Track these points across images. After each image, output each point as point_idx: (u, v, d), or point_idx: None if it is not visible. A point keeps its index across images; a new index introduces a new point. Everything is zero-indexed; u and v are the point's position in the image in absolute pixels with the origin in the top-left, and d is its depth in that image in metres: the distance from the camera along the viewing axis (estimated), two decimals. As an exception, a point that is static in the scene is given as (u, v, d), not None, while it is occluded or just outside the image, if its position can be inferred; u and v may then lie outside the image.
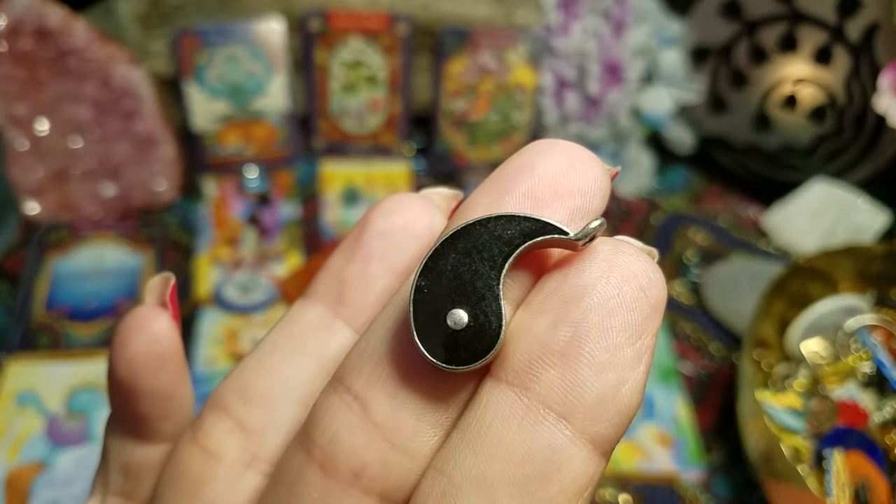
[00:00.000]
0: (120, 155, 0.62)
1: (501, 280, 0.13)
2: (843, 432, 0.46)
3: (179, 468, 0.16)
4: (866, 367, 0.50)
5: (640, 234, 0.68)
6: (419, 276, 0.13)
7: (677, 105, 0.69)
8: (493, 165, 0.26)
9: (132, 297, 0.58)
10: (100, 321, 0.56)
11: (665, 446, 0.52)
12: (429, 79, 0.68)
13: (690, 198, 0.72)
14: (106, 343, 0.54)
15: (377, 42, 0.65)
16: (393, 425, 0.13)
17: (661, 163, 0.72)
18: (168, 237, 0.62)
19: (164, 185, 0.64)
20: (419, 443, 0.13)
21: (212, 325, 0.56)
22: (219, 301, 0.58)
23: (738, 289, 0.61)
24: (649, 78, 0.69)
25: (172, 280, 0.17)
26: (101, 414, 0.50)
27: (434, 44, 0.66)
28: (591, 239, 0.13)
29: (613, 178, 0.15)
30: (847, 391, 0.49)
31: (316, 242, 0.63)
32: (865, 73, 0.60)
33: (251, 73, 0.64)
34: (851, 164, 0.65)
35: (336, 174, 0.69)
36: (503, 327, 0.13)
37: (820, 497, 0.42)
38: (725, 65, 0.68)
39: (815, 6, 0.61)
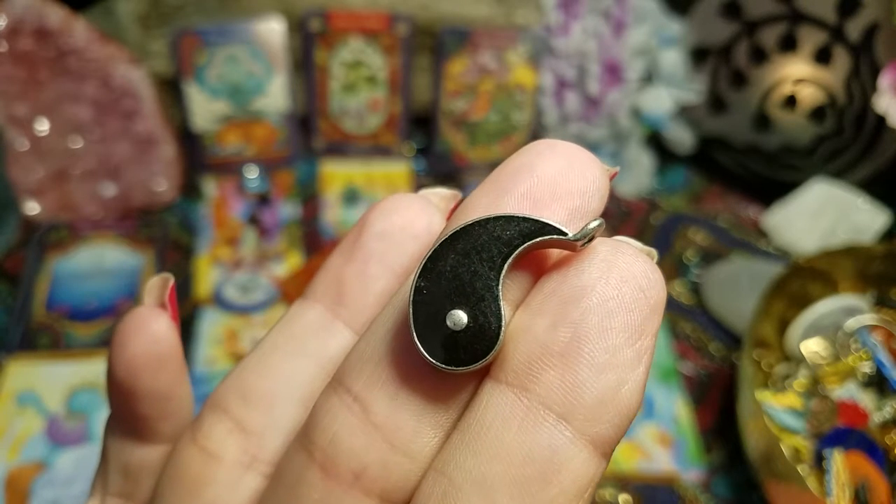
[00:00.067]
0: (120, 155, 0.62)
1: (501, 281, 0.13)
2: (843, 432, 0.46)
3: (179, 469, 0.16)
4: (866, 367, 0.50)
5: (639, 234, 0.68)
6: (418, 277, 0.13)
7: (677, 105, 0.69)
8: (493, 165, 0.26)
9: (132, 297, 0.58)
10: (100, 321, 0.56)
11: (665, 446, 0.52)
12: (429, 79, 0.68)
13: (690, 198, 0.72)
14: (106, 343, 0.54)
15: (377, 42, 0.65)
16: (393, 426, 0.13)
17: (661, 163, 0.72)
18: (168, 237, 0.62)
19: (164, 185, 0.64)
20: (419, 444, 0.13)
21: (212, 325, 0.56)
22: (219, 301, 0.58)
23: (738, 289, 0.61)
24: (649, 78, 0.69)
25: (171, 281, 0.17)
26: (101, 414, 0.50)
27: (434, 44, 0.66)
28: (590, 239, 0.13)
29: (612, 178, 0.15)
30: (847, 391, 0.49)
31: (316, 242, 0.63)
32: (865, 73, 0.60)
33: (251, 73, 0.64)
34: (851, 164, 0.65)
35: (336, 174, 0.69)
36: (503, 328, 0.13)
37: (820, 497, 0.42)
38: (725, 65, 0.68)
39: (815, 6, 0.61)
